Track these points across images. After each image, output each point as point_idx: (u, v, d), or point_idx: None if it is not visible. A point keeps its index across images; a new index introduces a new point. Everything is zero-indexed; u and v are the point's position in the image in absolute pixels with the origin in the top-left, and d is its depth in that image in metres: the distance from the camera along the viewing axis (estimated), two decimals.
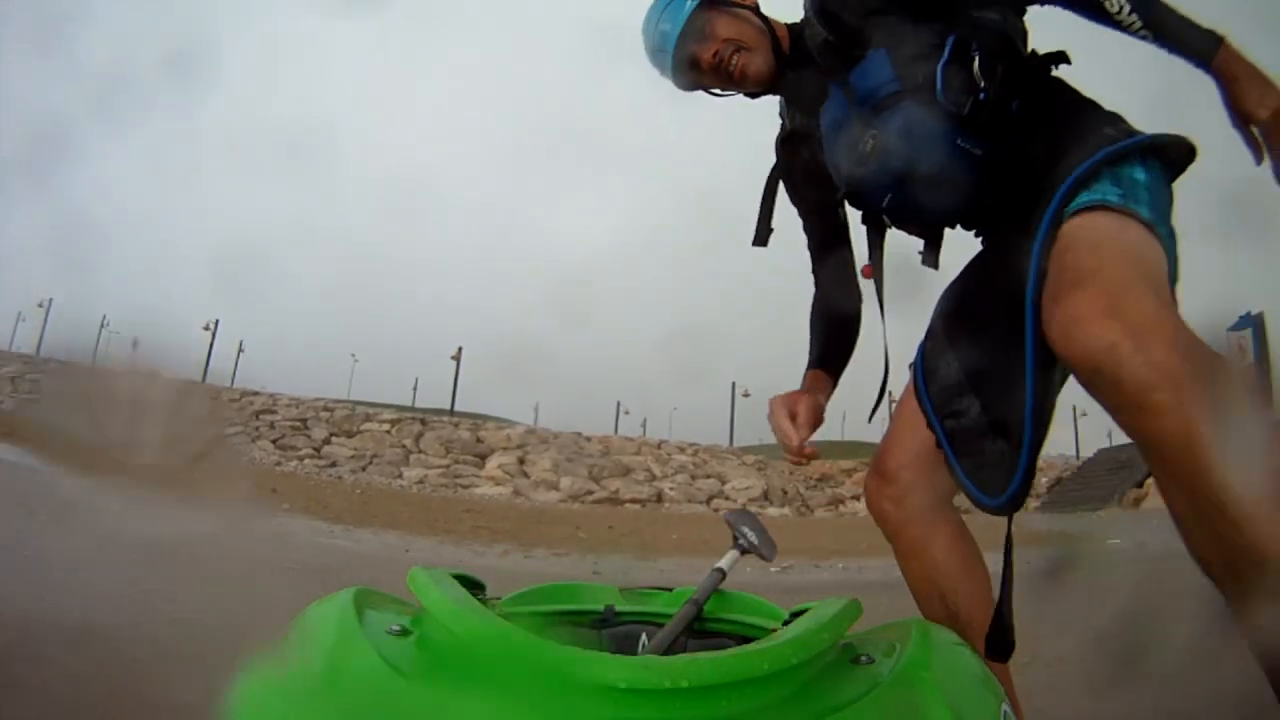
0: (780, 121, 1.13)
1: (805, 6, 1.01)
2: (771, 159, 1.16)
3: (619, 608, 1.14)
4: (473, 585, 0.93)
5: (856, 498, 12.10)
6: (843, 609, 0.72)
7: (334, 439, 12.12)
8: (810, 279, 1.21)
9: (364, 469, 11.50)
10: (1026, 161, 0.84)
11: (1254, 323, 7.23)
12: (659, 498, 11.38)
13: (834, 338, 1.15)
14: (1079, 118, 0.86)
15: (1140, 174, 0.79)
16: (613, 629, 1.10)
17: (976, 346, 0.93)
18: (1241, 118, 0.78)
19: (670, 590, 1.21)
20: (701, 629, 1.02)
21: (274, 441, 11.70)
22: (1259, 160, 0.78)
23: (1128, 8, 0.80)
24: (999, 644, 0.86)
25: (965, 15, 0.87)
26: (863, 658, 0.65)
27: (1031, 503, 11.82)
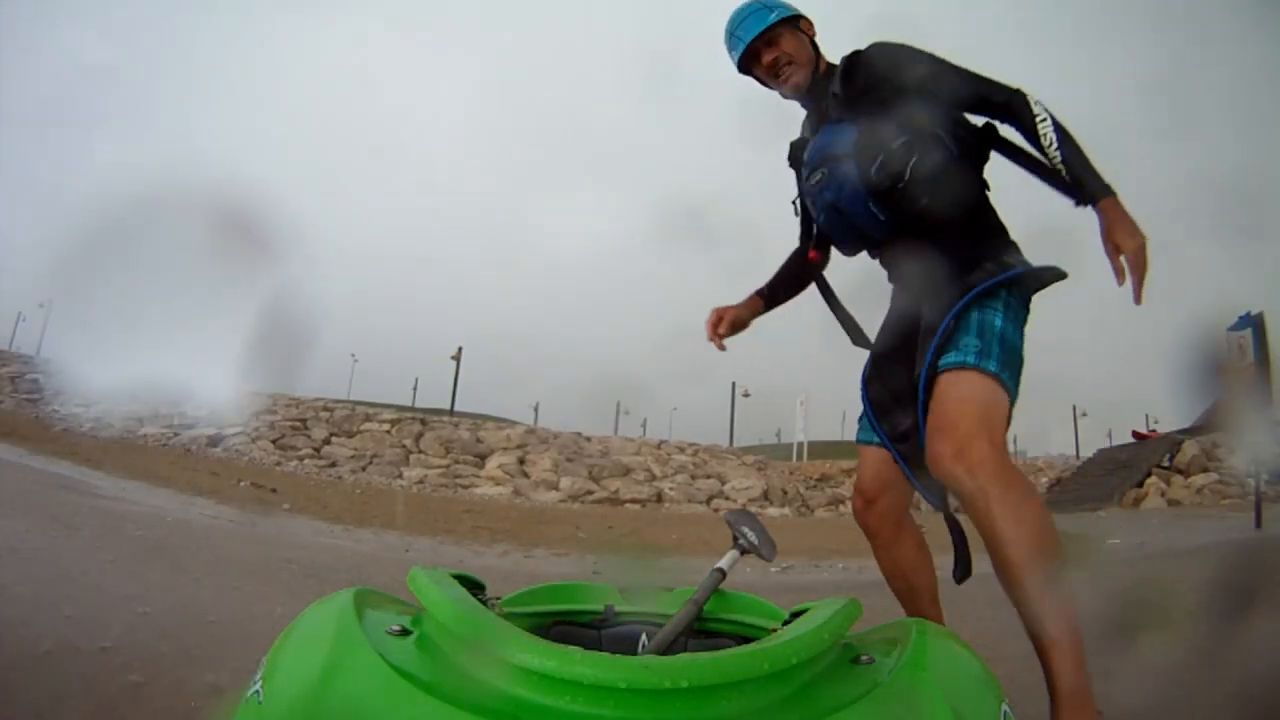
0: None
1: (840, 65, 1.29)
2: (770, 165, 1.49)
3: (619, 608, 1.14)
4: (473, 585, 0.93)
5: None
6: (843, 609, 0.72)
7: (334, 439, 12.11)
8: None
9: (364, 469, 11.49)
10: (917, 239, 1.18)
11: (1254, 323, 7.22)
12: (659, 498, 11.38)
13: (782, 284, 1.46)
14: (971, 235, 1.19)
15: (998, 317, 1.12)
16: (613, 629, 1.10)
17: (904, 382, 1.19)
18: (1114, 248, 1.05)
19: (670, 590, 1.21)
20: (701, 629, 1.02)
21: (274, 441, 11.69)
22: (1120, 282, 1.04)
23: (1055, 141, 1.08)
24: (961, 568, 1.39)
25: (929, 124, 1.17)
26: (863, 658, 0.65)
27: None
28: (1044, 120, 1.08)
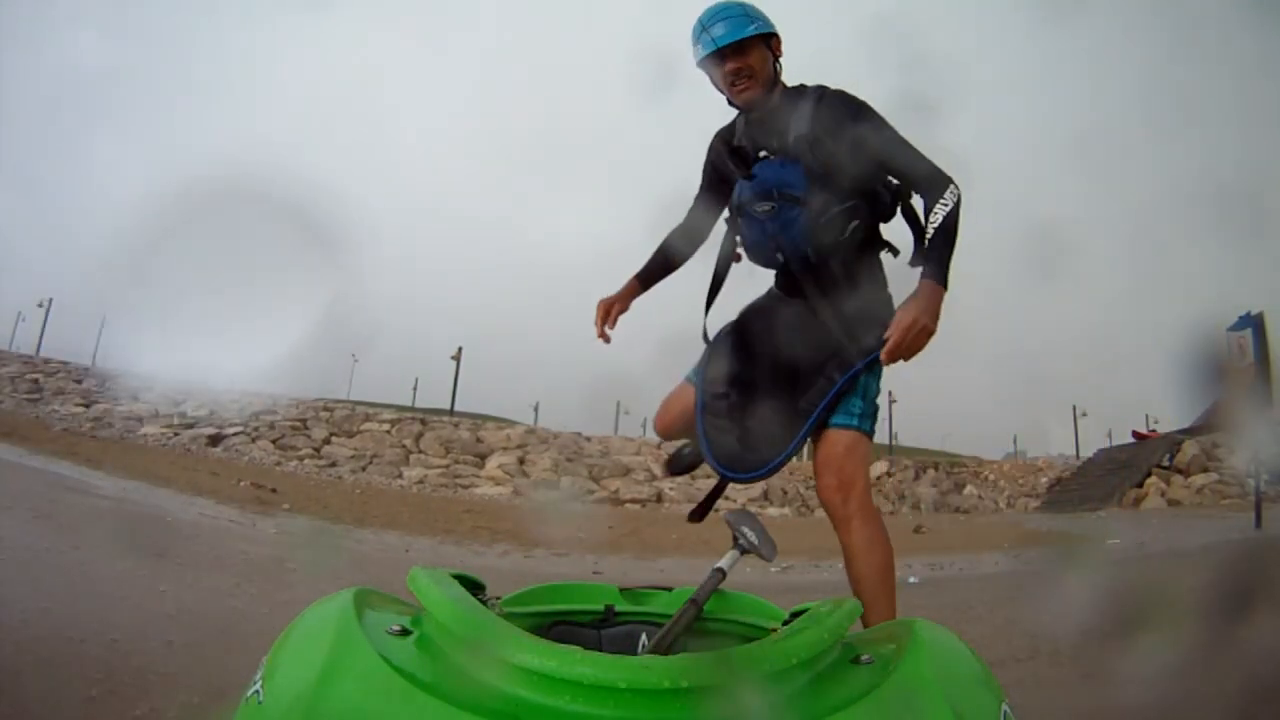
0: (733, 124, 1.45)
1: (807, 101, 1.34)
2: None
3: (619, 608, 1.14)
4: (473, 585, 0.93)
5: None
6: (843, 609, 0.72)
7: (334, 439, 12.11)
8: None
9: (364, 469, 11.49)
10: (830, 283, 1.33)
11: (1254, 323, 7.22)
12: (659, 498, 11.38)
13: (659, 266, 1.52)
14: (869, 293, 1.34)
15: (876, 381, 1.35)
16: (613, 629, 1.10)
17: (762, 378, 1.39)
18: (905, 318, 1.19)
19: (670, 590, 1.21)
20: (701, 629, 1.02)
21: (274, 441, 11.69)
22: (886, 348, 1.20)
23: (939, 221, 1.20)
24: (700, 511, 1.49)
25: (869, 185, 1.31)
26: (863, 657, 0.65)
27: (1031, 503, 11.73)
28: (945, 206, 1.21)
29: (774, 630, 0.89)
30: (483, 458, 12.14)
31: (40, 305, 16.01)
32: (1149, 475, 11.33)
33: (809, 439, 1.34)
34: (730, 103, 1.39)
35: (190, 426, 11.77)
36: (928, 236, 1.22)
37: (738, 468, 1.33)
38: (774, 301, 1.44)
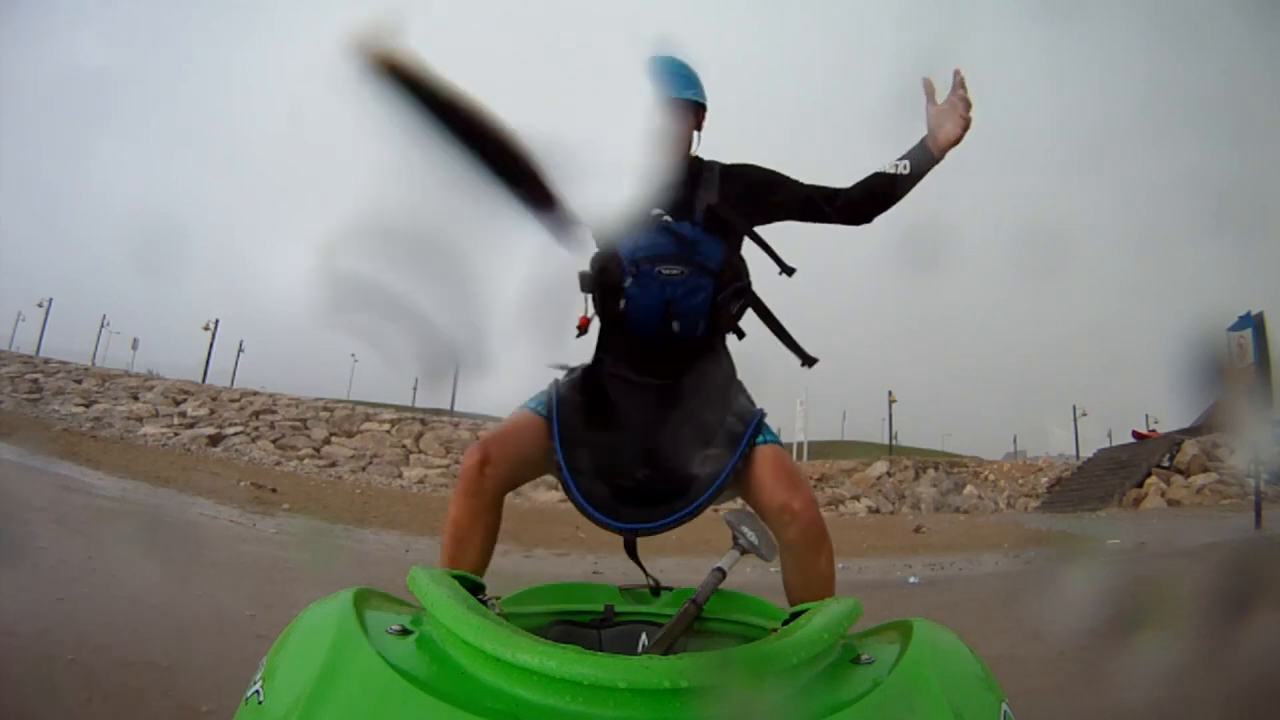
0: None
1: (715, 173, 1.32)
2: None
3: (619, 608, 1.14)
4: (473, 585, 0.93)
5: (856, 498, 12.10)
6: (843, 609, 0.72)
7: (334, 439, 12.12)
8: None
9: (364, 469, 11.50)
10: (705, 356, 1.27)
11: (1254, 323, 7.22)
12: None
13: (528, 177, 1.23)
14: (730, 379, 1.30)
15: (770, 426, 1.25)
16: (613, 629, 1.10)
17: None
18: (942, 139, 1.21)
19: (670, 590, 1.21)
20: (701, 629, 1.02)
21: (274, 441, 11.69)
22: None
23: (901, 161, 1.24)
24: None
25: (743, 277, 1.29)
26: (863, 657, 0.65)
27: (1031, 503, 11.72)
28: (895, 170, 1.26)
29: (774, 630, 0.89)
30: None
31: (40, 305, 16.04)
32: (1149, 475, 11.33)
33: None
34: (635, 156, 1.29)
35: (190, 426, 11.78)
36: (900, 165, 1.26)
37: (638, 520, 1.14)
38: (625, 377, 1.28)
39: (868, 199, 1.28)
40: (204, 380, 14.62)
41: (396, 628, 0.65)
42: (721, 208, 1.28)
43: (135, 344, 16.87)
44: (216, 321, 16.01)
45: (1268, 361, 6.96)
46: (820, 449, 14.41)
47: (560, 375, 1.27)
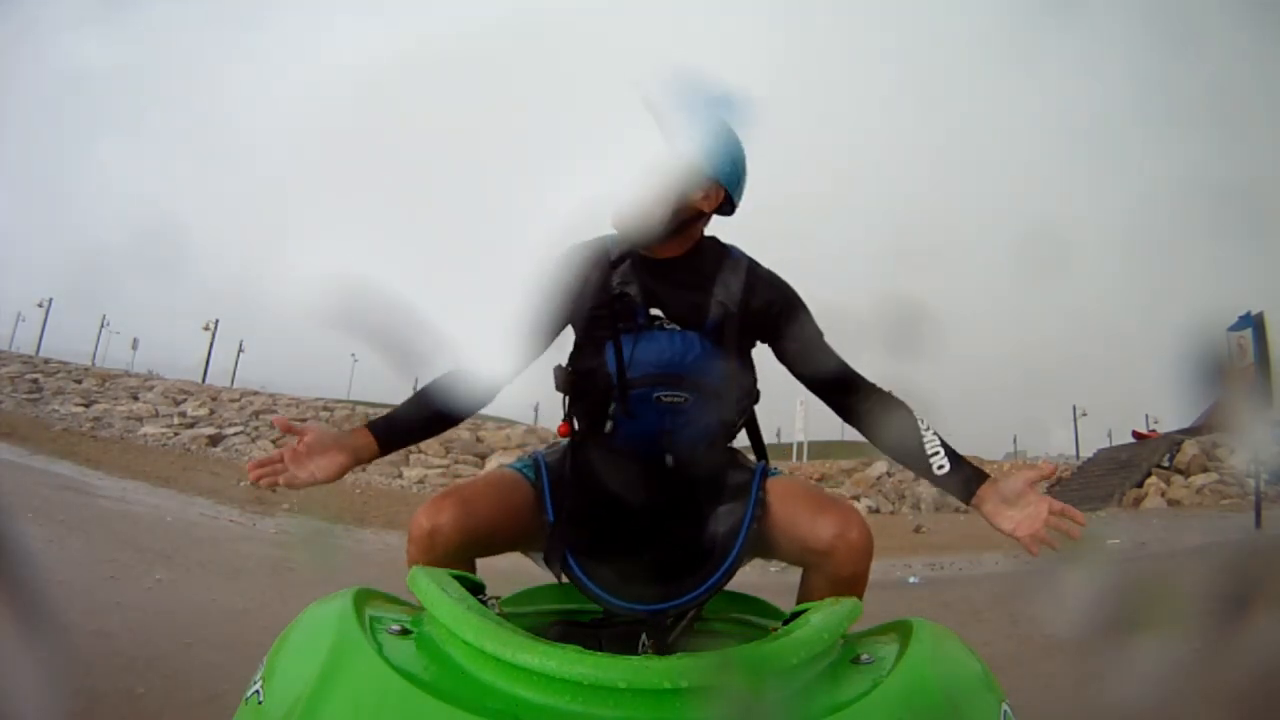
0: (607, 252, 1.07)
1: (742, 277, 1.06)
2: None
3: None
4: (473, 585, 0.93)
5: (856, 498, 12.09)
6: (843, 609, 0.72)
7: None
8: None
9: (364, 469, 11.50)
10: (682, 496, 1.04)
11: (1254, 323, 7.22)
12: None
13: (421, 422, 1.07)
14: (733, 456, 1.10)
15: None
16: (613, 629, 1.10)
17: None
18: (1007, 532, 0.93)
19: None
20: (702, 629, 1.02)
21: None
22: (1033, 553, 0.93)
23: (942, 455, 0.97)
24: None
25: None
26: (863, 657, 0.65)
27: None
28: (930, 430, 1.00)
29: (774, 630, 0.89)
30: (483, 458, 12.14)
31: (40, 305, 16.04)
32: (1149, 475, 11.32)
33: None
34: (638, 242, 1.04)
35: (190, 426, 11.77)
36: (938, 457, 0.97)
37: (660, 598, 0.95)
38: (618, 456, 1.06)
39: (877, 436, 1.02)
40: (204, 380, 14.62)
41: (396, 628, 0.65)
42: (724, 319, 1.03)
43: (135, 344, 16.87)
44: (216, 321, 16.02)
45: (1268, 361, 6.96)
46: (820, 449, 14.39)
47: (542, 449, 1.09)
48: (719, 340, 1.02)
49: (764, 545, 0.98)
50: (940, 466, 0.97)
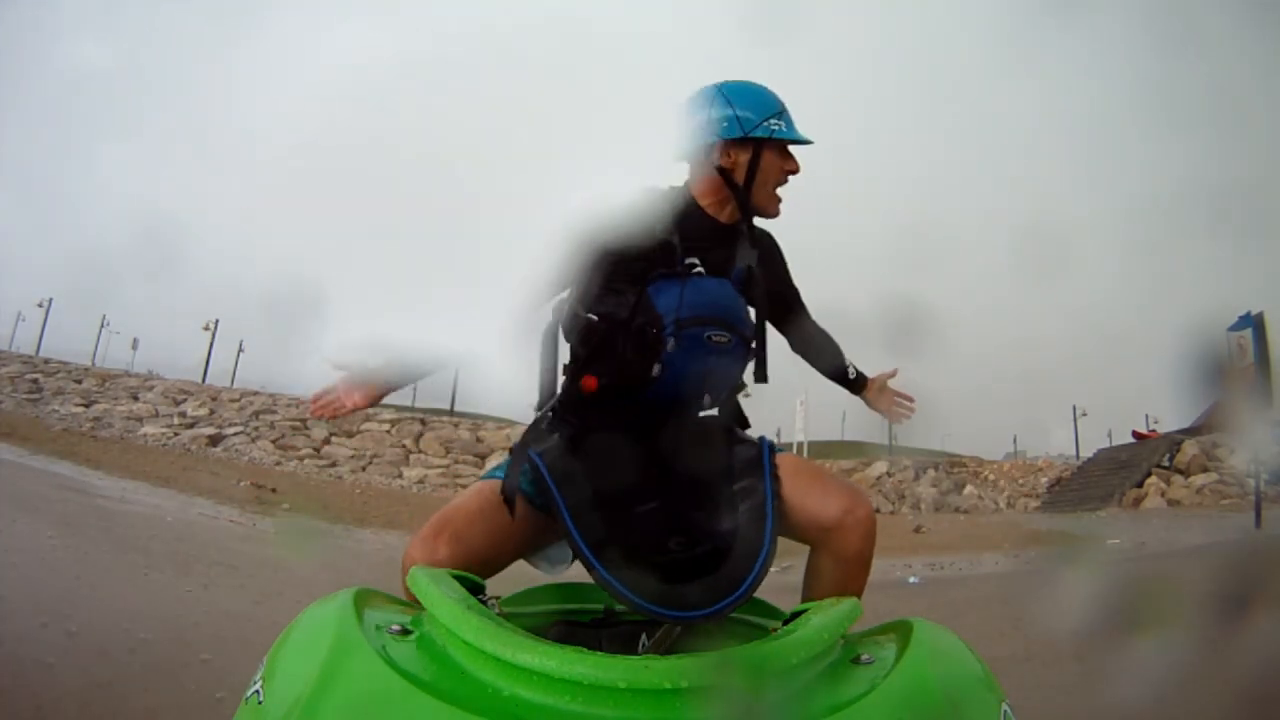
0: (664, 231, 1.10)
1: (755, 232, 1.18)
2: None
3: (619, 608, 1.14)
4: (473, 585, 0.93)
5: None
6: (843, 609, 0.72)
7: (334, 439, 12.11)
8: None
9: (364, 469, 11.50)
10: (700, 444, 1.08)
11: (1254, 323, 7.23)
12: None
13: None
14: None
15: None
16: (613, 629, 1.10)
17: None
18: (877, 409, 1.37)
19: None
20: (702, 629, 1.02)
21: (274, 441, 11.69)
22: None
23: (854, 369, 1.34)
24: None
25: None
26: (863, 657, 0.65)
27: (1031, 503, 11.70)
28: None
29: (774, 630, 0.89)
30: (483, 458, 12.14)
31: (40, 305, 16.03)
32: (1149, 475, 11.33)
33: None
34: (744, 205, 1.11)
35: (190, 426, 11.78)
36: (851, 369, 1.35)
37: (702, 602, 0.92)
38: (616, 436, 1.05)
39: (815, 354, 1.32)
40: (204, 380, 14.61)
41: (396, 628, 0.65)
42: (759, 273, 1.12)
43: (135, 344, 16.87)
44: (216, 321, 16.01)
45: (1268, 361, 6.97)
46: (820, 449, 14.39)
47: (518, 445, 1.04)
48: (744, 292, 1.11)
49: (781, 524, 0.99)
50: (851, 375, 1.34)
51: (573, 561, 1.04)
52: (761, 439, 1.09)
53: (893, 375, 1.38)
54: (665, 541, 0.98)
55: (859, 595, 0.95)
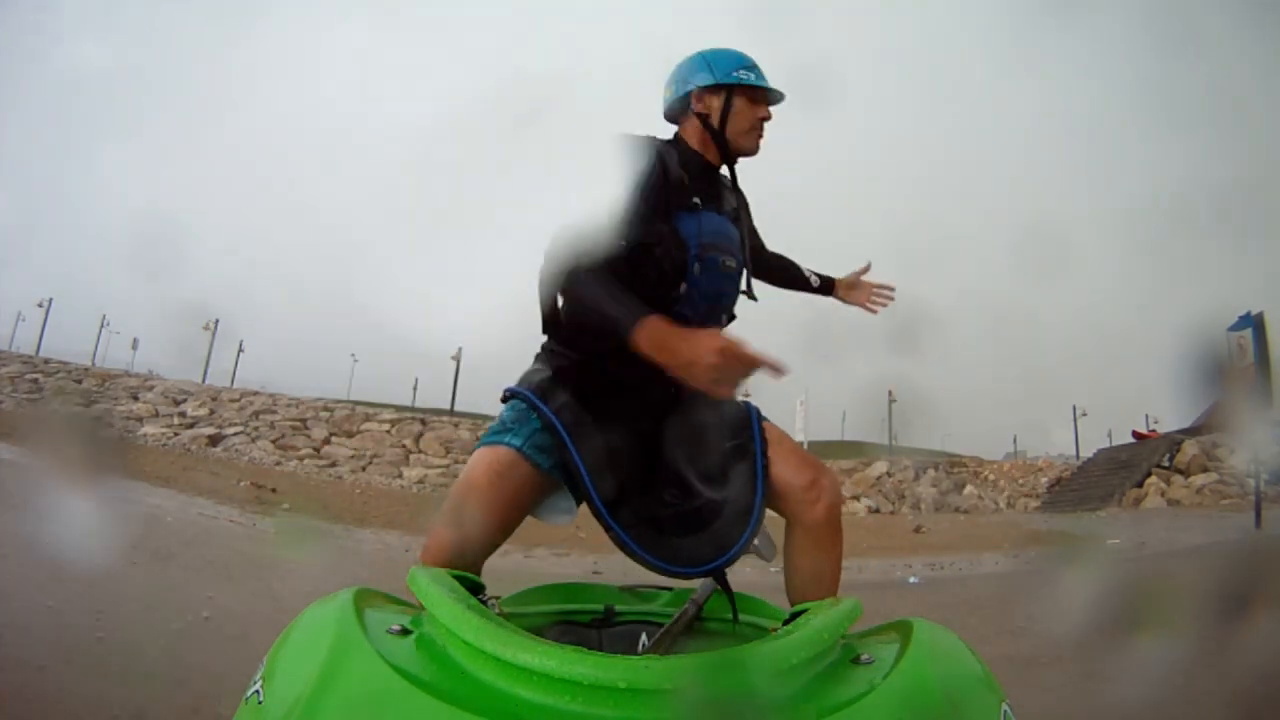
0: (657, 149, 1.18)
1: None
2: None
3: (619, 608, 1.14)
4: (473, 585, 0.93)
5: (856, 498, 12.10)
6: (843, 609, 0.72)
7: (334, 439, 12.11)
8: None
9: (364, 469, 11.50)
10: None
11: (1254, 323, 7.23)
12: None
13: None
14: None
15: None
16: (613, 629, 1.10)
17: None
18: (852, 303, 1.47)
19: (670, 590, 1.21)
20: (701, 629, 1.02)
21: (274, 441, 11.69)
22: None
23: (815, 276, 1.45)
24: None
25: None
26: (863, 657, 0.65)
27: (1031, 503, 11.70)
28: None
29: (774, 630, 0.89)
30: None
31: (40, 305, 16.03)
32: (1149, 475, 11.33)
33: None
34: (723, 146, 1.21)
35: (190, 426, 11.78)
36: (813, 278, 1.45)
37: (694, 562, 0.99)
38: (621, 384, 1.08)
39: (776, 273, 1.41)
40: (204, 380, 14.62)
41: (396, 628, 0.65)
42: (745, 210, 1.27)
43: (135, 344, 16.87)
44: (216, 321, 16.01)
45: (1268, 361, 6.97)
46: (820, 449, 14.40)
47: (512, 397, 1.07)
48: (734, 224, 1.23)
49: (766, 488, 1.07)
50: (813, 281, 1.44)
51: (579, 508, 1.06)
52: (747, 402, 1.16)
53: (865, 270, 1.46)
54: (662, 493, 1.05)
55: (837, 562, 1.04)
